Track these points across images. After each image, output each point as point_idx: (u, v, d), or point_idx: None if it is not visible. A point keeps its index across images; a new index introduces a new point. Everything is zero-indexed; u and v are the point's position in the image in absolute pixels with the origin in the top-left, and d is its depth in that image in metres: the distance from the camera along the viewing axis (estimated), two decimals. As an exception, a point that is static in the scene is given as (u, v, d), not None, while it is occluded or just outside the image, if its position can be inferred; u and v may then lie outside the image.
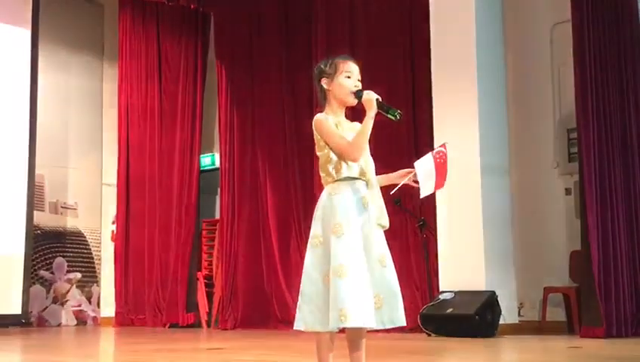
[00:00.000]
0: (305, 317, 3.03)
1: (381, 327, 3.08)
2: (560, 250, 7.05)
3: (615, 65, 6.31)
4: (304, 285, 3.07)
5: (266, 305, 8.64)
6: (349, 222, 3.01)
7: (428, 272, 7.15)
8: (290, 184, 8.67)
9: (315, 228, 3.11)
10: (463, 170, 6.75)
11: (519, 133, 7.31)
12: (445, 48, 7.04)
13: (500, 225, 6.91)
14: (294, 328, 3.09)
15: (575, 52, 6.30)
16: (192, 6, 9.49)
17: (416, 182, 3.39)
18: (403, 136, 7.49)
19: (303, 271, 3.11)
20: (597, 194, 6.11)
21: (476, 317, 6.16)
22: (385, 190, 3.27)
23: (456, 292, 6.52)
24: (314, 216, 3.16)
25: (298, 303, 3.09)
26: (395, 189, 3.41)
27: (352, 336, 3.06)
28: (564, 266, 6.98)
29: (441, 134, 6.82)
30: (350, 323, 2.87)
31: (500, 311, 6.39)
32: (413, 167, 3.42)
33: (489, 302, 6.31)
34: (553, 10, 7.19)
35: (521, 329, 6.79)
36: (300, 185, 8.55)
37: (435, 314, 6.43)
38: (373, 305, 3.01)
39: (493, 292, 6.39)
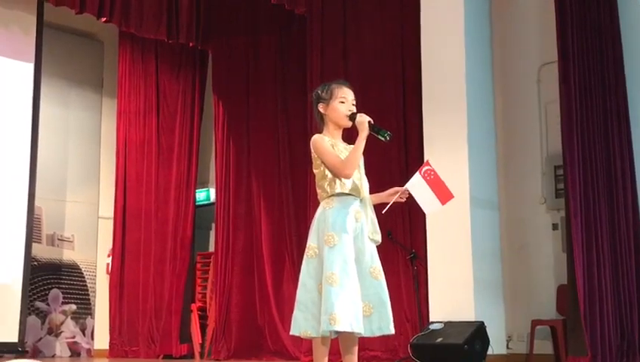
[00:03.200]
0: (300, 324, 3.23)
1: (370, 335, 3.26)
2: (547, 284, 7.20)
3: (599, 105, 6.54)
4: (300, 293, 3.27)
5: (258, 336, 8.76)
6: (340, 233, 3.22)
7: (418, 304, 7.29)
8: (284, 217, 8.83)
9: (311, 240, 3.33)
10: (453, 204, 6.91)
11: (508, 169, 7.51)
12: (436, 85, 7.26)
13: (489, 259, 7.08)
14: (290, 333, 3.29)
15: (561, 92, 6.53)
16: (190, 44, 9.75)
17: (407, 198, 3.60)
18: (395, 172, 7.67)
19: (299, 280, 3.31)
20: (582, 229, 6.30)
21: (465, 347, 6.29)
22: (377, 208, 3.47)
23: (445, 323, 6.67)
24: (310, 228, 3.38)
25: (294, 311, 3.28)
26: (387, 208, 3.61)
27: (345, 342, 3.25)
28: (551, 299, 7.13)
29: (432, 169, 6.99)
30: (339, 327, 3.06)
31: (489, 341, 6.53)
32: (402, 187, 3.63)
33: (478, 333, 6.45)
34: (540, 51, 7.43)
35: (509, 361, 6.93)
36: (294, 218, 8.71)
37: (425, 344, 6.57)
38: (363, 314, 3.19)
39: (482, 323, 6.54)
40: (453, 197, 3.66)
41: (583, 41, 6.57)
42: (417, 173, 3.70)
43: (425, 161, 3.74)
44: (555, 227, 7.28)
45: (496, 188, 7.33)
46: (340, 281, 3.13)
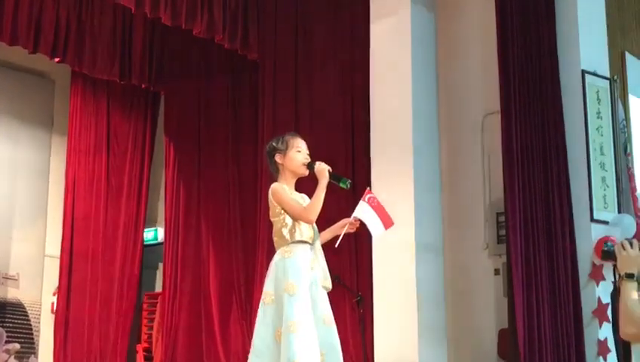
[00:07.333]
0: None
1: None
2: (489, 328, 7.34)
3: (540, 155, 6.75)
4: (255, 339, 3.37)
5: (204, 378, 8.77)
6: (300, 282, 3.35)
7: (364, 347, 7.37)
8: (232, 259, 8.90)
9: (268, 287, 3.44)
10: (398, 249, 7.11)
11: (452, 215, 7.68)
12: (384, 133, 7.45)
13: (433, 303, 7.22)
14: None
15: (503, 141, 6.75)
16: (142, 85, 9.82)
17: (356, 228, 3.77)
18: (344, 216, 7.79)
19: (255, 326, 3.41)
20: (523, 274, 6.48)
21: (409, 390, 6.41)
22: (330, 243, 3.61)
23: (390, 366, 6.78)
24: (267, 275, 3.49)
25: (250, 356, 3.37)
26: (339, 240, 3.76)
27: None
28: (492, 343, 7.28)
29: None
30: None
31: (432, 384, 6.66)
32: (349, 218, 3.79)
33: (421, 376, 6.58)
34: (484, 101, 7.65)
35: (452, 403, 7.07)
36: (242, 261, 8.78)
37: (370, 387, 6.67)
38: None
39: (426, 366, 6.67)
40: (393, 223, 3.88)
41: (525, 92, 6.80)
42: (362, 201, 3.89)
43: (366, 189, 3.94)
44: (496, 272, 7.43)
45: (440, 234, 7.50)
46: (300, 329, 3.24)
